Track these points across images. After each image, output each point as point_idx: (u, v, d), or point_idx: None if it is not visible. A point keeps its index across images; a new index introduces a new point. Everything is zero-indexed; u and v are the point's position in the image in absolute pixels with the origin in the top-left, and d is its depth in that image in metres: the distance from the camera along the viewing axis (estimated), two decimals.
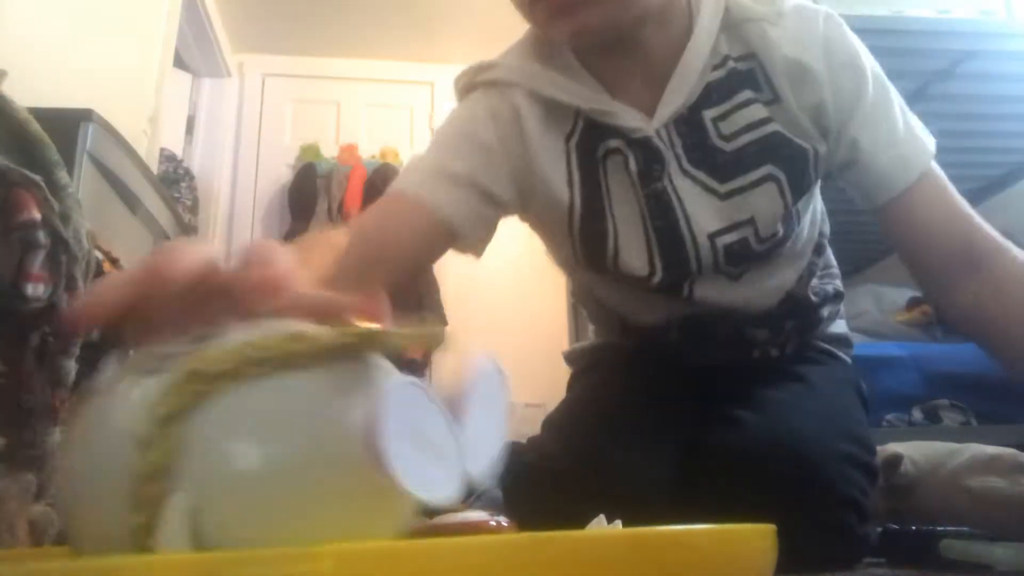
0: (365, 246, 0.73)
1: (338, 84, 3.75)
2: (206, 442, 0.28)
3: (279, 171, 3.59)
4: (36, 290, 0.68)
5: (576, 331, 3.38)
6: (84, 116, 1.32)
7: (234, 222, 3.52)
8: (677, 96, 0.80)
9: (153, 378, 0.29)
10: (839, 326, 1.04)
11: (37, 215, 0.68)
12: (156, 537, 0.27)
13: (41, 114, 0.85)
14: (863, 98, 0.79)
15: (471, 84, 0.86)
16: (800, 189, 0.82)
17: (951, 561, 0.78)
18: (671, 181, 0.82)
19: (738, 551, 0.31)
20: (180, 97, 3.40)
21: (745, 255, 0.84)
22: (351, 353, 0.31)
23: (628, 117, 0.80)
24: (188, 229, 2.17)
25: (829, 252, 1.01)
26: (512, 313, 3.35)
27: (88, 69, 1.86)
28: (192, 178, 3.18)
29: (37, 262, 0.69)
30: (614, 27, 0.76)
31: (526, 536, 0.31)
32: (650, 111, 0.81)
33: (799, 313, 0.95)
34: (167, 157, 2.99)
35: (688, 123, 0.81)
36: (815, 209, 0.93)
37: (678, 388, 0.93)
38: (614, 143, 0.82)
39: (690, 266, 0.84)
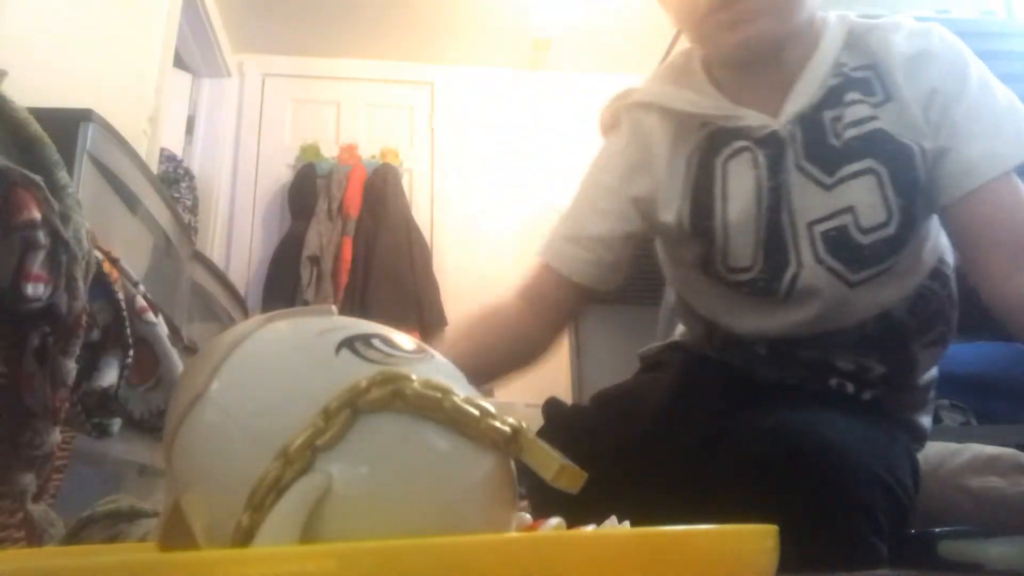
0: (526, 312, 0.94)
1: (338, 84, 3.75)
2: (368, 442, 0.31)
3: (279, 171, 3.59)
4: (36, 290, 0.68)
5: (576, 331, 3.38)
6: (84, 116, 1.32)
7: (234, 222, 3.51)
8: (801, 98, 0.87)
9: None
10: (925, 419, 0.98)
11: (37, 215, 0.68)
12: (285, 492, 0.29)
13: (41, 114, 0.85)
14: (966, 90, 0.84)
15: (616, 110, 1.00)
16: (902, 185, 0.84)
17: (951, 562, 0.78)
18: (787, 175, 0.88)
19: (740, 551, 0.31)
20: (180, 97, 3.40)
21: (845, 243, 0.85)
22: (497, 444, 0.33)
23: (753, 118, 0.89)
24: (188, 229, 2.16)
25: (952, 314, 0.95)
26: None
27: (88, 69, 1.86)
28: (192, 178, 3.18)
29: (37, 262, 0.68)
30: (772, 40, 0.85)
31: (528, 536, 0.31)
32: (774, 114, 0.89)
33: (889, 345, 0.91)
34: (167, 157, 2.99)
35: (811, 121, 0.87)
36: (936, 236, 0.93)
37: (730, 401, 0.92)
38: (740, 143, 0.90)
39: (788, 256, 0.87)
